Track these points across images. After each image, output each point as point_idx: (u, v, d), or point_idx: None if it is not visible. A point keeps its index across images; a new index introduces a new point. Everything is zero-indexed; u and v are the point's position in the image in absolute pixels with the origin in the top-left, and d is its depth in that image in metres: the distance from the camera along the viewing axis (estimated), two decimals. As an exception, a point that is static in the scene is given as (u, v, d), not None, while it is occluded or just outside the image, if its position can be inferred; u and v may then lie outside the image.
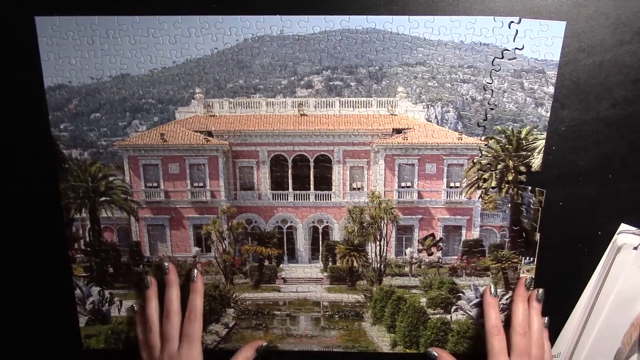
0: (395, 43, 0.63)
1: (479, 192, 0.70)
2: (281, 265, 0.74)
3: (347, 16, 0.62)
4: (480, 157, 0.68)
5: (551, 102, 0.64)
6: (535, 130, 0.65)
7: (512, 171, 0.67)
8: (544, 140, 0.66)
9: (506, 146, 0.66)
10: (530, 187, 0.68)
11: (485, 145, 0.67)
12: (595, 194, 0.64)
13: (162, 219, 0.72)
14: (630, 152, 0.66)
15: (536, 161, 0.66)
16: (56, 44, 0.64)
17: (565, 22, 0.61)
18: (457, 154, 0.68)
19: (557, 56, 0.62)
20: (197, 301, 0.69)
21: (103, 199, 0.71)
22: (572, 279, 0.70)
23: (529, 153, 0.66)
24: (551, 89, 0.64)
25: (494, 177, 0.69)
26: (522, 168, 0.67)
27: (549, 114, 0.65)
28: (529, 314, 0.67)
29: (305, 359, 0.76)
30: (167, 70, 0.65)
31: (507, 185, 0.68)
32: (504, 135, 0.66)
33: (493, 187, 0.69)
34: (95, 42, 0.64)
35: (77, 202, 0.71)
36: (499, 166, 0.67)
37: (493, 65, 0.64)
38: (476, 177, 0.69)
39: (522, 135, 0.66)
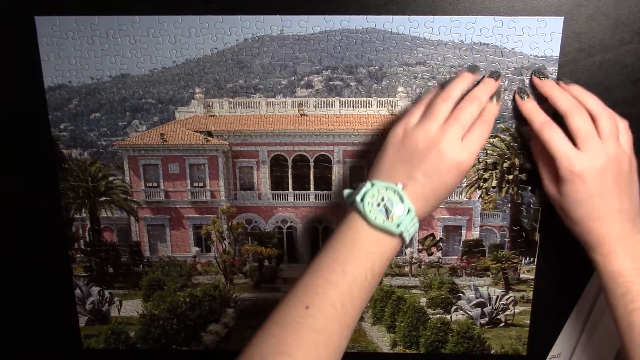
0: (395, 43, 0.63)
1: (479, 192, 0.70)
2: (281, 265, 0.74)
3: (347, 16, 0.62)
4: (486, 156, 0.68)
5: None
6: None
7: (518, 169, 0.67)
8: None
9: (511, 144, 0.66)
10: (530, 187, 0.68)
11: (490, 144, 0.67)
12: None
13: (162, 219, 0.72)
14: (631, 152, 0.65)
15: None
16: (56, 44, 0.64)
17: (563, 18, 0.61)
18: (457, 154, 0.68)
19: (556, 52, 0.62)
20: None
21: (103, 199, 0.71)
22: (572, 279, 0.70)
23: None
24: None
25: (494, 177, 0.68)
26: (528, 165, 0.67)
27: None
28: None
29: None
30: (167, 70, 0.65)
31: (507, 185, 0.68)
32: (508, 133, 0.66)
33: (493, 187, 0.69)
34: (95, 42, 0.64)
35: (77, 202, 0.71)
36: (505, 164, 0.67)
37: (493, 64, 0.63)
38: (476, 177, 0.69)
39: None
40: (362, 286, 0.51)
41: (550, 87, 0.60)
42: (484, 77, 0.60)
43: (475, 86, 0.58)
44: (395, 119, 0.59)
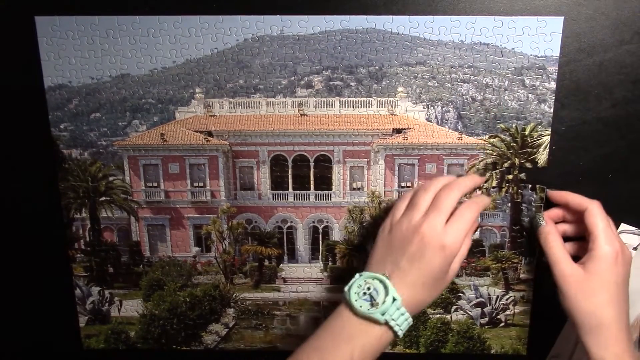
0: (395, 43, 0.63)
1: (479, 192, 0.70)
2: (281, 265, 0.74)
3: (347, 16, 0.62)
4: (486, 156, 0.68)
5: (553, 97, 0.64)
6: (540, 126, 0.66)
7: (518, 169, 0.67)
8: (549, 136, 0.66)
9: (511, 144, 0.66)
10: (530, 185, 0.68)
11: (490, 144, 0.67)
12: (595, 194, 0.64)
13: (162, 219, 0.72)
14: (630, 152, 0.65)
15: (542, 157, 0.66)
16: (56, 44, 0.64)
17: (563, 17, 0.61)
18: (457, 154, 0.68)
19: (556, 52, 0.62)
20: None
21: (103, 198, 0.71)
22: (572, 279, 0.70)
23: (535, 150, 0.66)
24: (553, 85, 0.64)
25: (494, 177, 0.69)
26: (528, 165, 0.67)
27: (552, 110, 0.65)
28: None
29: None
30: (167, 70, 0.65)
31: (507, 184, 0.68)
32: (508, 133, 0.66)
33: (493, 187, 0.69)
34: (95, 42, 0.64)
35: (77, 202, 0.71)
36: (505, 164, 0.67)
37: (493, 64, 0.64)
38: (476, 177, 0.69)
39: (527, 132, 0.66)
40: None
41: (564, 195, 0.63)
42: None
43: None
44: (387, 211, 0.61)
